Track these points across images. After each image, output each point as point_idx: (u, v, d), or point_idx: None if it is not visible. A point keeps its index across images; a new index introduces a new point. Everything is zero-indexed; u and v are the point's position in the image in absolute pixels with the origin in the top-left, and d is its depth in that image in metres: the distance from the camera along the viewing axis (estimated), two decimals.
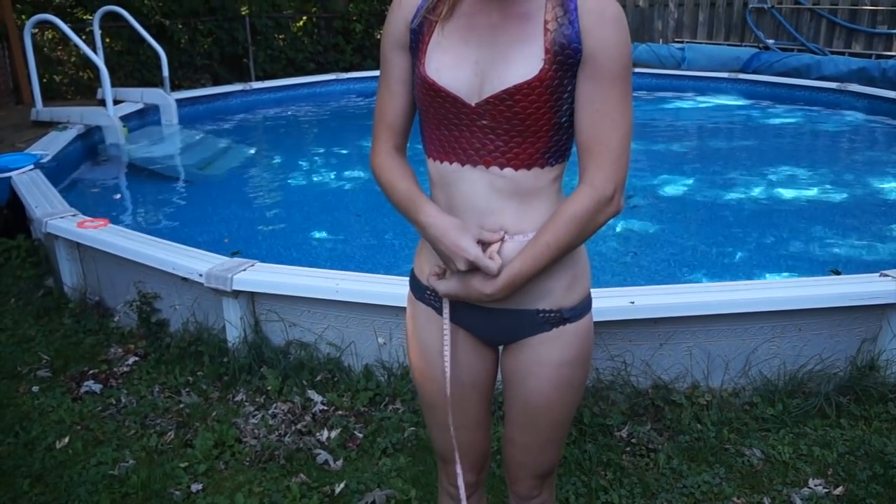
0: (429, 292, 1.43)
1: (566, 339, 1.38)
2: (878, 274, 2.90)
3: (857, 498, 2.26)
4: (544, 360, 1.38)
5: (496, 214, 1.31)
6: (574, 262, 1.36)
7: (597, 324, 2.68)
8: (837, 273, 3.24)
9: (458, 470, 1.49)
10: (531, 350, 1.39)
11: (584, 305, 1.41)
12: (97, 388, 2.97)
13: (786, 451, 2.50)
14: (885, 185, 5.59)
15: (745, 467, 2.44)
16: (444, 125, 1.30)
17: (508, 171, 1.29)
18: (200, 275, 2.98)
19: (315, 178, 6.10)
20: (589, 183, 1.26)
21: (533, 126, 1.25)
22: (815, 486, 2.33)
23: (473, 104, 1.26)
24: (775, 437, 2.59)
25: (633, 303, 2.66)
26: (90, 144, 6.28)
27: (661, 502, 2.26)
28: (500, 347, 1.49)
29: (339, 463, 2.48)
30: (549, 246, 1.26)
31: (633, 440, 2.58)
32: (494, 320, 1.39)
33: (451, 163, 1.31)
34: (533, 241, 1.28)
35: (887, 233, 4.57)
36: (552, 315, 1.36)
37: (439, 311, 1.42)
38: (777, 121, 7.93)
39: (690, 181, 5.71)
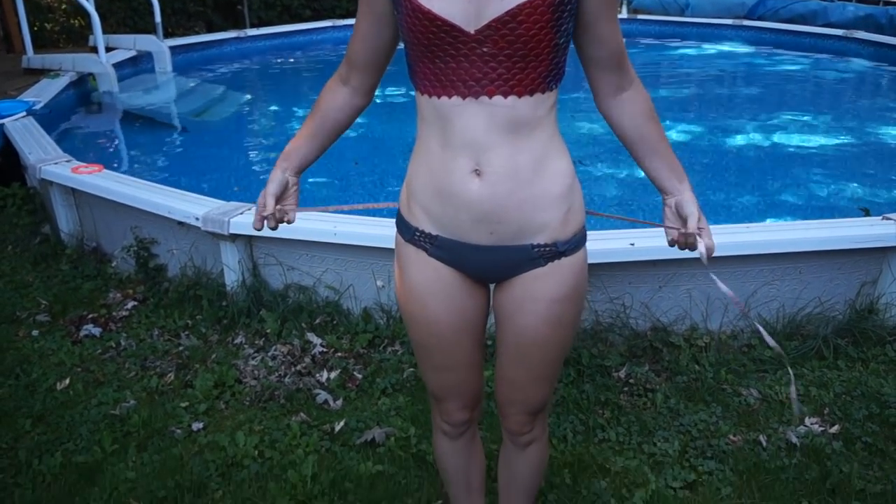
0: (418, 233, 1.39)
1: (561, 274, 1.35)
2: (880, 217, 2.88)
3: (852, 436, 2.27)
4: (538, 296, 1.35)
5: (494, 150, 1.27)
6: (569, 193, 1.33)
7: (596, 266, 2.69)
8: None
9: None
10: (525, 286, 1.36)
11: (579, 239, 1.38)
12: (96, 331, 2.98)
13: (783, 392, 2.51)
14: (890, 132, 5.53)
15: (741, 406, 2.45)
16: (439, 57, 1.26)
17: (511, 98, 1.25)
18: (197, 218, 2.95)
19: None
20: (632, 84, 1.37)
21: (535, 49, 1.21)
22: (812, 424, 2.35)
23: (472, 31, 1.22)
24: (772, 377, 2.61)
25: (632, 244, 2.64)
26: (83, 92, 6.18)
27: (658, 439, 2.28)
28: (492, 285, 1.47)
29: (339, 402, 2.49)
30: (665, 140, 1.39)
31: (631, 380, 2.59)
32: (487, 257, 1.35)
33: (449, 97, 1.27)
34: (655, 144, 1.38)
35: (891, 178, 4.54)
36: (547, 249, 1.33)
37: (429, 252, 1.39)
38: (782, 68, 7.81)
39: (693, 128, 5.65)
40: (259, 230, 1.43)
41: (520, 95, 1.25)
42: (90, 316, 3.10)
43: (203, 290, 3.13)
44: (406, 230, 1.42)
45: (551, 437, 2.29)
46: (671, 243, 1.40)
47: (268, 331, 2.89)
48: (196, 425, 2.37)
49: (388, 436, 2.29)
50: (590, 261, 2.66)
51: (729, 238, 2.72)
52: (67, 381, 2.63)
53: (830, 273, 2.82)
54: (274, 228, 1.44)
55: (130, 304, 3.19)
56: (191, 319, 3.04)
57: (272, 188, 1.43)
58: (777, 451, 2.22)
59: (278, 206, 1.43)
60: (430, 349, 1.48)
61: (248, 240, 2.98)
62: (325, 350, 2.79)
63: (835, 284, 2.83)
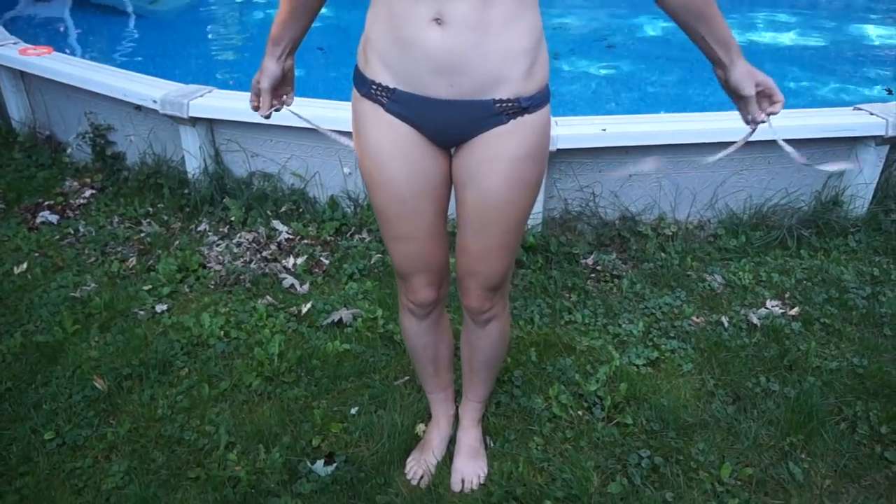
0: (374, 87, 1.29)
1: (523, 131, 1.28)
2: (851, 108, 2.87)
3: (811, 317, 2.33)
4: (501, 154, 1.29)
5: (459, 0, 1.16)
6: (533, 46, 1.24)
7: (567, 152, 2.65)
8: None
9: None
10: (486, 145, 1.29)
11: (543, 96, 1.30)
12: (54, 218, 2.89)
13: (746, 278, 2.55)
14: (863, 30, 5.48)
15: (705, 291, 2.49)
16: None
17: None
18: (155, 101, 2.82)
19: (273, 13, 5.77)
20: None
21: None
22: (773, 307, 2.39)
23: None
24: (737, 265, 2.64)
25: (604, 130, 2.60)
26: None
27: (623, 321, 2.31)
28: (452, 150, 1.39)
29: (306, 287, 2.47)
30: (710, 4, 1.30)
31: (599, 267, 2.60)
32: (446, 113, 1.27)
33: None
34: (697, 8, 1.29)
35: (864, 74, 4.52)
36: (509, 105, 1.25)
37: (386, 108, 1.30)
38: None
39: (669, 22, 5.52)
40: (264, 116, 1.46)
41: None
42: (46, 203, 3.00)
43: (164, 178, 3.04)
44: (362, 84, 1.32)
45: (518, 319, 2.30)
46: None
47: (232, 219, 2.82)
48: (160, 307, 2.33)
49: (356, 317, 2.28)
50: (560, 146, 2.63)
51: (700, 125, 2.69)
52: (25, 265, 2.56)
53: (798, 164, 2.81)
54: (267, 117, 1.47)
55: (88, 193, 3.09)
56: (152, 207, 2.96)
57: (266, 82, 1.41)
58: (738, 331, 2.27)
59: (275, 100, 1.44)
60: (390, 216, 1.40)
61: (209, 124, 2.87)
62: (291, 237, 2.75)
63: (802, 175, 2.84)
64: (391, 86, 1.27)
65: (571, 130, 2.58)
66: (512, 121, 1.27)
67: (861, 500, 1.70)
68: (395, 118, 1.30)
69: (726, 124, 2.69)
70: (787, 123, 2.73)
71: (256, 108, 1.45)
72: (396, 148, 1.32)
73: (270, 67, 1.41)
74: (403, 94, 1.27)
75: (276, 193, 2.91)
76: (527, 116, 1.28)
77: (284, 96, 1.48)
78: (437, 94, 1.24)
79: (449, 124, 1.29)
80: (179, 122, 2.83)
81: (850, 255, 2.72)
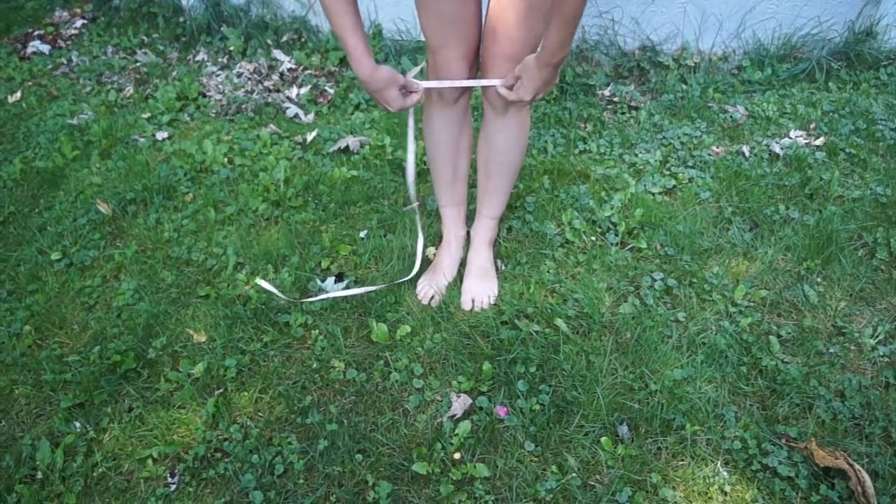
0: None
1: None
2: None
3: (836, 147, 2.24)
4: None
5: None
6: None
7: None
8: None
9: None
10: None
11: None
12: (45, 48, 2.76)
13: (770, 109, 2.43)
14: None
15: (727, 122, 2.38)
16: None
17: None
18: None
19: None
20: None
21: None
22: (796, 137, 2.30)
23: None
24: (761, 97, 2.52)
25: None
26: None
27: (640, 151, 2.23)
28: None
29: (311, 116, 2.38)
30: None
31: (616, 99, 2.49)
32: None
33: None
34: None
35: None
36: None
37: None
38: None
39: None
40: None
41: None
42: (36, 33, 2.86)
43: (157, 7, 2.87)
44: None
45: (531, 148, 2.22)
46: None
47: (231, 48, 2.69)
48: (160, 135, 2.26)
49: (363, 144, 2.20)
50: None
51: None
52: (19, 94, 2.46)
53: None
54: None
55: (79, 23, 2.94)
56: (146, 37, 2.81)
57: (396, 98, 1.40)
58: (759, 160, 2.19)
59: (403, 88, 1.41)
60: None
61: None
62: (293, 68, 2.62)
63: (836, 3, 2.65)
64: None
65: None
66: None
67: (875, 322, 1.69)
68: None
69: None
70: None
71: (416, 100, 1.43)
72: None
73: (382, 70, 1.36)
74: None
75: (276, 22, 2.75)
76: None
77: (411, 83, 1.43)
78: None
79: None
80: None
81: (880, 89, 2.59)
